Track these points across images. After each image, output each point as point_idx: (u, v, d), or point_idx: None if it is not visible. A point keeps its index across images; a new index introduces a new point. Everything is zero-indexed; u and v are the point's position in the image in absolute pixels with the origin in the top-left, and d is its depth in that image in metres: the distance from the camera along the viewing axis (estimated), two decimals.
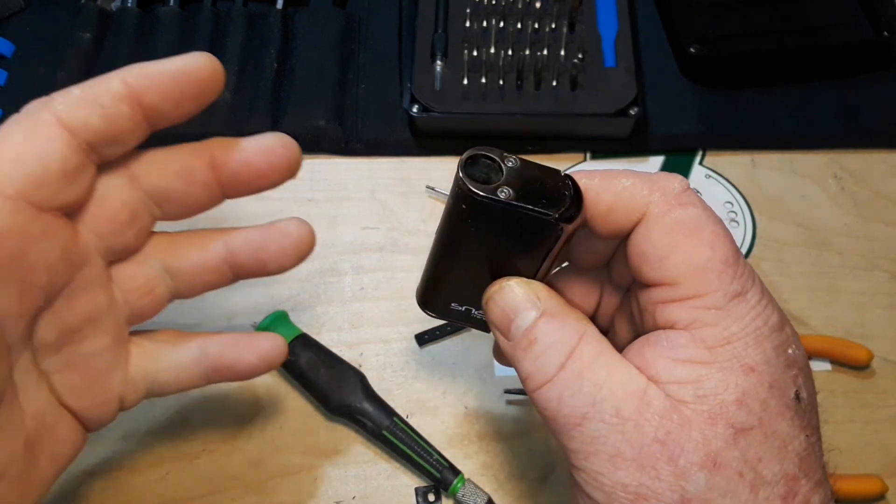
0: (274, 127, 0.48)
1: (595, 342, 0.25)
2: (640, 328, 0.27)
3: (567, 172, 0.26)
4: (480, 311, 0.29)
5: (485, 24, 0.49)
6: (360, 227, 0.47)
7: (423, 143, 0.49)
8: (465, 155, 0.25)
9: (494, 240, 0.27)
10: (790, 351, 0.25)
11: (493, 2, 0.50)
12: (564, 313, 0.26)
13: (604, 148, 0.49)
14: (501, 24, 0.49)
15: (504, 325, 0.27)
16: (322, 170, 0.48)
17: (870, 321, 0.44)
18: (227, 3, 0.52)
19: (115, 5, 0.52)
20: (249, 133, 0.48)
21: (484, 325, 0.30)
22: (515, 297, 0.27)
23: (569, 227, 0.25)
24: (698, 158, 0.50)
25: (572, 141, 0.49)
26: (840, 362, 0.43)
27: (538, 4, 0.50)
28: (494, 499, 0.39)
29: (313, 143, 0.49)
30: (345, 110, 0.50)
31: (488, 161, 0.26)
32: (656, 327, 0.26)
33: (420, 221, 0.47)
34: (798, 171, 0.49)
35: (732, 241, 0.25)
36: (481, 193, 0.24)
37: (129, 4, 0.52)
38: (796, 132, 0.50)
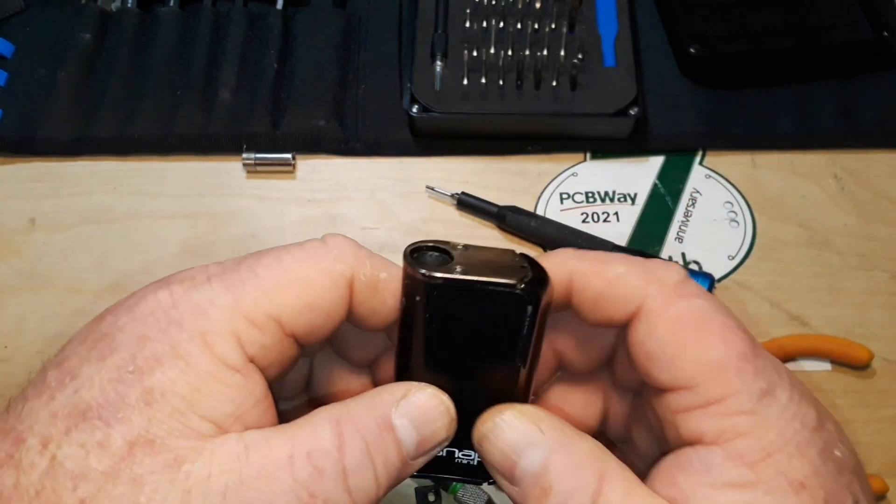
0: (274, 127, 0.48)
1: (620, 480, 0.22)
2: (663, 441, 0.24)
3: (523, 252, 0.24)
4: (466, 453, 0.25)
5: (485, 24, 0.49)
6: (360, 227, 0.47)
7: (423, 143, 0.49)
8: (409, 247, 0.23)
9: (460, 340, 0.23)
10: (837, 453, 0.22)
11: (493, 2, 0.50)
12: (576, 445, 0.23)
13: (604, 148, 0.49)
14: (501, 24, 0.49)
15: (507, 470, 0.23)
16: (322, 170, 0.48)
17: (870, 321, 0.44)
18: (227, 4, 0.52)
19: (115, 5, 0.52)
20: (250, 134, 0.48)
21: (474, 472, 0.26)
22: (515, 434, 0.23)
23: (541, 304, 0.22)
24: (698, 158, 0.50)
25: (572, 141, 0.49)
26: (840, 362, 0.43)
27: (538, 4, 0.50)
28: (494, 499, 0.39)
29: (313, 143, 0.49)
30: (345, 110, 0.50)
31: (435, 252, 0.23)
32: (680, 440, 0.23)
33: (420, 221, 0.47)
34: (798, 171, 0.49)
35: (746, 332, 0.23)
36: (435, 274, 0.22)
37: (129, 5, 0.52)
38: (796, 132, 0.50)
